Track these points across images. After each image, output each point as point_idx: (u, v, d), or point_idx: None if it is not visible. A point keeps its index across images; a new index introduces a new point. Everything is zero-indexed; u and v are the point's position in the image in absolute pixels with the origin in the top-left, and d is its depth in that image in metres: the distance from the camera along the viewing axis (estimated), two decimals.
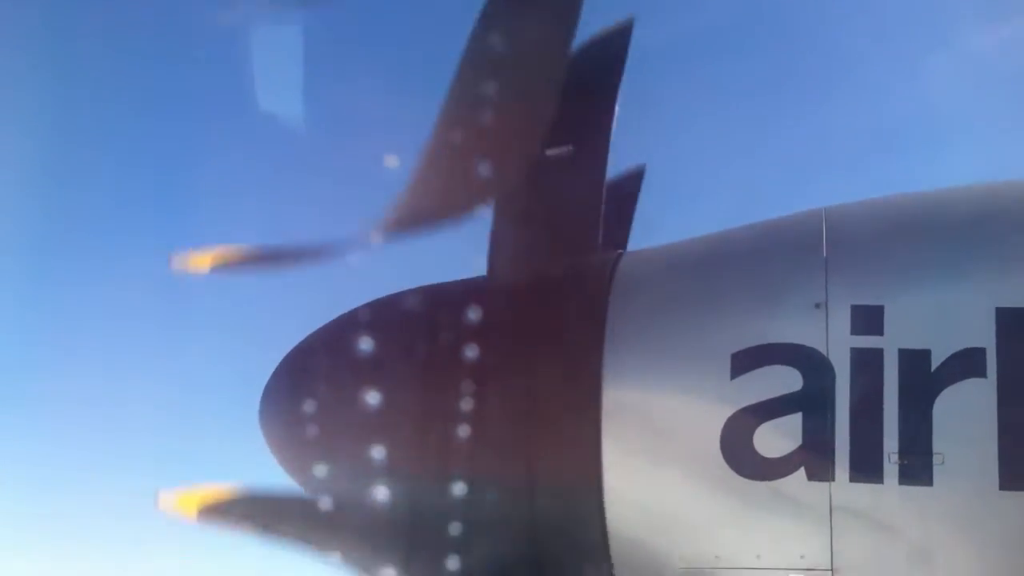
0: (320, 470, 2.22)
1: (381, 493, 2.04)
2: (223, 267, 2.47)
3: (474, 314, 2.23)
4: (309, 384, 2.23)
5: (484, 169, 2.20)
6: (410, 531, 2.02)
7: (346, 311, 2.37)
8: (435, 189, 2.23)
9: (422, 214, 2.21)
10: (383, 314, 2.32)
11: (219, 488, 2.22)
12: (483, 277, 2.31)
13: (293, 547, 2.25)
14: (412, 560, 1.99)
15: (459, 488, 2.03)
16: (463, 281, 2.34)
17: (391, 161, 2.29)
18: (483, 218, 2.33)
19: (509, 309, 2.22)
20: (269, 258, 2.59)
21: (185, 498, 2.20)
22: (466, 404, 2.08)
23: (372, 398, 2.08)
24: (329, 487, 2.22)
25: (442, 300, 2.21)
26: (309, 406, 2.25)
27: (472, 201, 2.21)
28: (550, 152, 2.27)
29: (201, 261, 2.38)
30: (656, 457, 1.98)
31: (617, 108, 2.37)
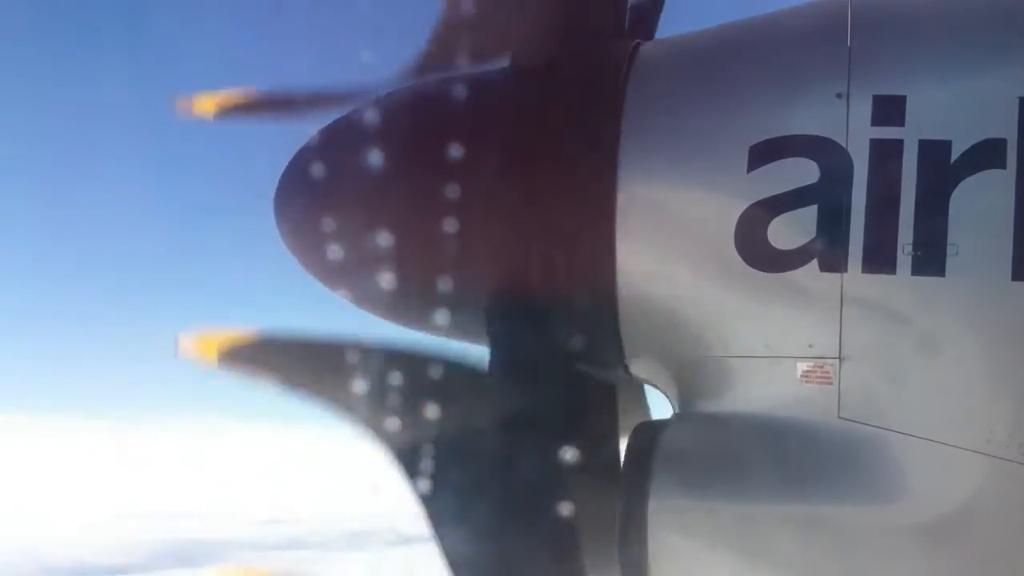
0: (339, 258, 2.27)
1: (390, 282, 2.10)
2: (231, 112, 2.43)
3: (489, 103, 2.21)
4: (327, 174, 2.25)
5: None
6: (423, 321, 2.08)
7: (362, 103, 2.34)
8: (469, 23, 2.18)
9: (459, 48, 2.17)
10: (400, 104, 2.30)
11: (240, 332, 2.24)
12: (501, 66, 2.27)
13: (311, 399, 2.31)
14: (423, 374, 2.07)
15: (472, 280, 2.09)
16: (480, 71, 2.30)
17: None
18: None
19: (526, 96, 2.20)
20: (281, 104, 2.55)
21: (205, 342, 2.23)
22: (479, 194, 2.10)
23: (387, 190, 2.10)
24: (347, 276, 2.27)
25: (459, 89, 2.18)
26: (328, 197, 2.27)
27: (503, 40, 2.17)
28: None
29: (207, 105, 2.34)
30: (670, 249, 2.02)
31: None
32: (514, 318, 2.09)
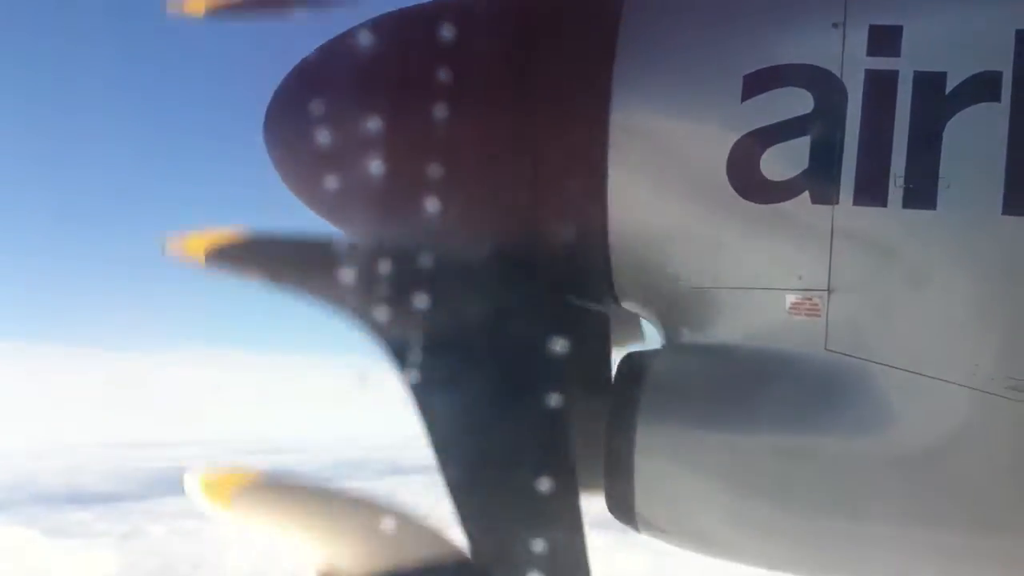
0: (329, 186, 2.26)
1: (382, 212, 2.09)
2: (222, 10, 2.38)
3: (482, 23, 2.19)
4: (319, 96, 2.22)
5: None
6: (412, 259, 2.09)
7: (361, 23, 2.30)
8: None
9: None
10: (398, 23, 2.26)
11: (227, 231, 2.23)
12: None
13: (301, 295, 2.31)
14: (413, 293, 2.07)
15: (464, 207, 2.08)
16: None
17: None
18: None
19: (520, 21, 2.17)
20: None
21: (192, 241, 2.22)
22: (473, 120, 2.09)
23: (382, 112, 2.08)
24: (338, 206, 2.26)
25: (455, 10, 2.15)
26: (318, 120, 2.25)
27: None
28: None
29: (197, 4, 2.28)
30: (661, 179, 2.02)
31: None
32: (503, 245, 2.09)
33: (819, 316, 1.87)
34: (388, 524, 2.02)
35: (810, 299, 1.87)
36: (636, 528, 2.06)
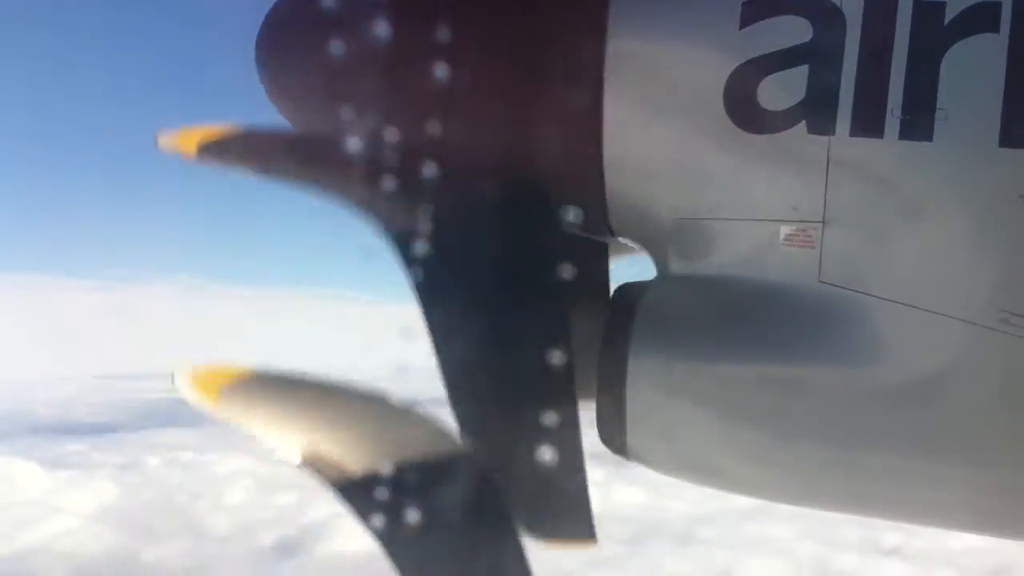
0: (320, 106, 2.24)
1: (373, 124, 2.07)
2: None
3: None
4: (313, 20, 2.20)
5: None
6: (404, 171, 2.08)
7: None
8: None
9: None
10: None
11: (218, 125, 2.21)
12: None
13: (292, 185, 2.29)
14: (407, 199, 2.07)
15: (460, 132, 2.07)
16: None
17: None
18: None
19: None
20: None
21: (184, 135, 2.20)
22: (467, 46, 2.07)
23: (375, 31, 2.05)
24: (329, 127, 2.24)
25: None
26: (310, 43, 2.23)
27: None
28: None
29: None
30: (658, 108, 2.00)
31: None
32: (500, 171, 2.09)
33: (813, 248, 1.86)
34: (384, 415, 2.03)
35: (804, 231, 1.87)
36: (627, 458, 2.09)
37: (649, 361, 1.98)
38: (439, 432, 2.02)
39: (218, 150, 2.19)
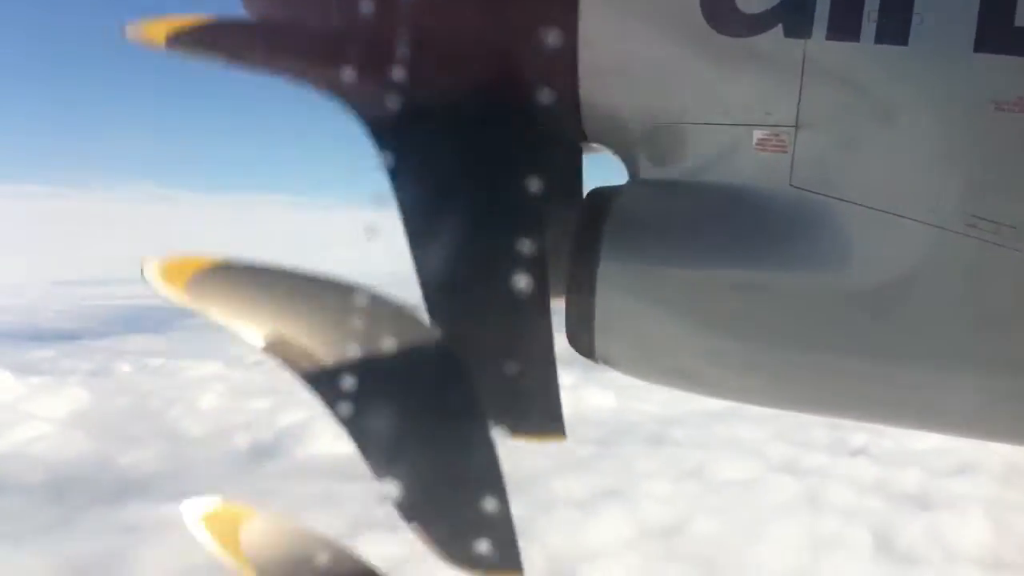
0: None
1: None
2: None
3: None
4: None
5: None
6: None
7: None
8: None
9: None
10: None
11: (188, 16, 2.14)
12: None
13: (262, 72, 2.24)
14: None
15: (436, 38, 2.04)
16: None
17: None
18: None
19: None
20: None
21: (153, 26, 2.13)
22: None
23: None
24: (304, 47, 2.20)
25: None
26: None
27: None
28: None
29: None
30: (634, 10, 1.98)
31: None
32: (471, 69, 2.07)
33: (786, 152, 1.86)
34: (354, 303, 2.03)
35: (777, 135, 1.87)
36: (595, 361, 2.12)
37: (619, 265, 1.99)
38: (410, 320, 2.03)
39: (188, 41, 2.13)
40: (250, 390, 38.90)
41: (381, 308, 2.06)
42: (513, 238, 2.00)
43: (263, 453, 31.97)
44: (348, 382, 1.94)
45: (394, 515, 1.92)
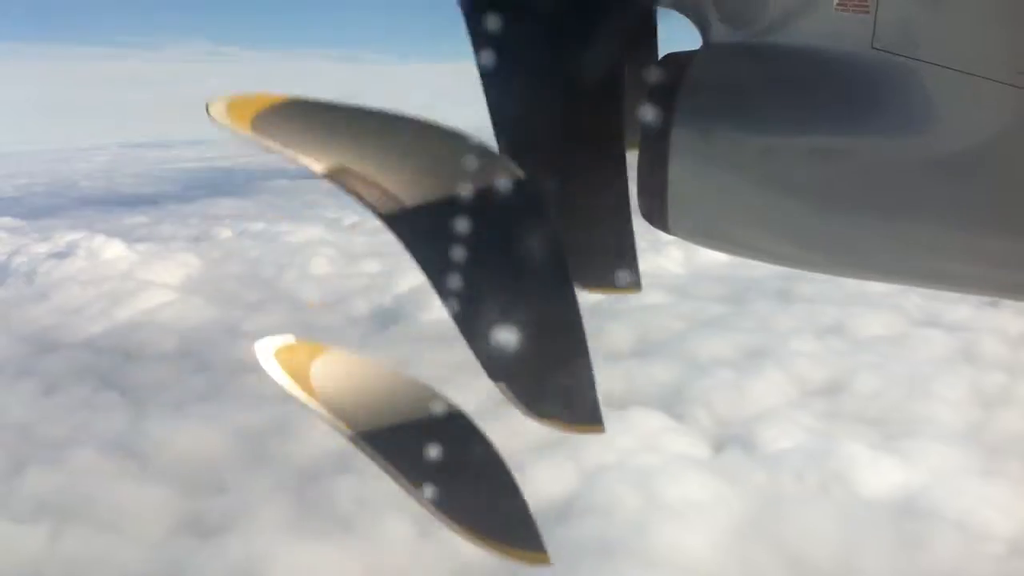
0: None
1: None
2: None
3: None
4: None
5: None
6: None
7: None
8: None
9: None
10: None
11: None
12: None
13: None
14: None
15: None
16: None
17: None
18: None
19: None
20: None
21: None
22: None
23: None
24: None
25: None
26: None
27: None
28: None
29: None
30: None
31: None
32: None
33: (867, 12, 1.81)
34: (432, 138, 2.05)
35: None
36: (667, 231, 2.09)
37: (693, 132, 1.97)
38: (493, 158, 2.05)
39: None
40: (358, 253, 39.52)
41: (459, 143, 2.06)
42: (590, 99, 2.03)
43: (387, 318, 32.56)
44: (425, 219, 1.92)
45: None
